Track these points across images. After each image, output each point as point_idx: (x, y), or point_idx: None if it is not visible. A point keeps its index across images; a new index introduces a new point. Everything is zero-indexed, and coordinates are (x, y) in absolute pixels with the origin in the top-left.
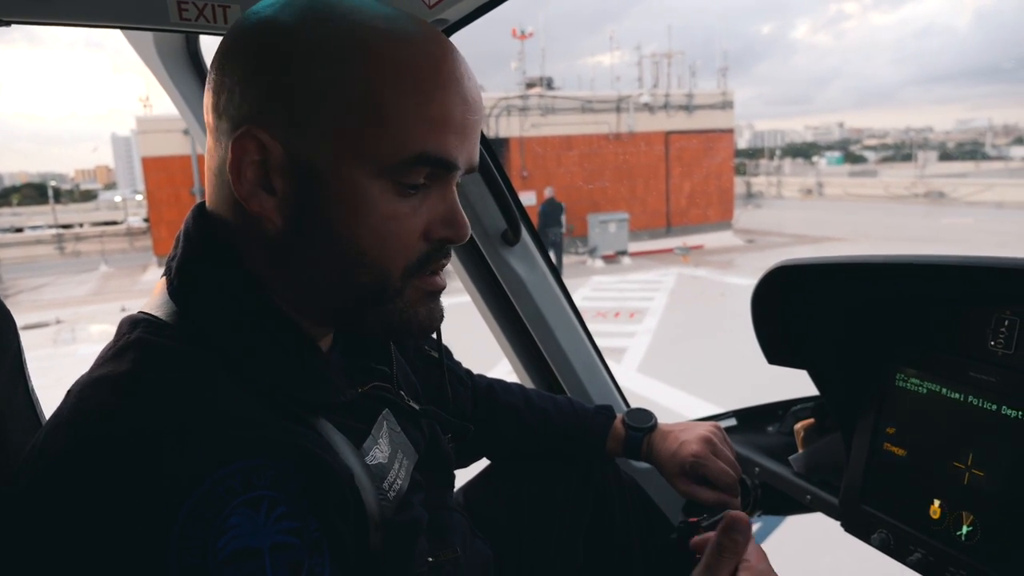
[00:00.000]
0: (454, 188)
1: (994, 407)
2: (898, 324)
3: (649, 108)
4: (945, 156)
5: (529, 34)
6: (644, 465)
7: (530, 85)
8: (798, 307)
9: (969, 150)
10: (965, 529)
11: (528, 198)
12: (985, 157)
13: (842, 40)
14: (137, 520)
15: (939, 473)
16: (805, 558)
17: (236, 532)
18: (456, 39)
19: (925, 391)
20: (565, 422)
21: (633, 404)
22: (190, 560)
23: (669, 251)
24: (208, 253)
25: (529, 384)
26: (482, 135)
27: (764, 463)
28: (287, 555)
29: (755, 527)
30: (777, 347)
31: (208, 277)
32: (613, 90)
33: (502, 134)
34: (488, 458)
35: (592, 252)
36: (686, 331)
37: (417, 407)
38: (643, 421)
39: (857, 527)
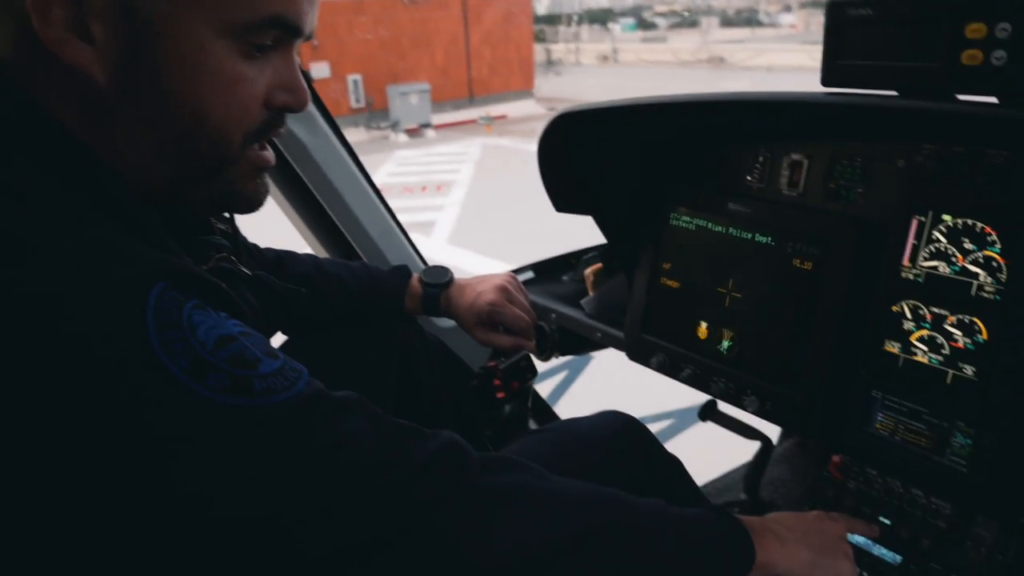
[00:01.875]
0: (295, 54)
1: (749, 235)
2: (671, 167)
3: None
4: (726, 22)
5: None
6: (447, 323)
7: None
8: (581, 154)
9: (746, 17)
10: (726, 344)
11: (321, 69)
12: (759, 24)
13: None
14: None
15: (706, 299)
16: (611, 390)
17: (206, 326)
18: None
19: (694, 227)
20: (360, 286)
21: None
22: (186, 360)
23: (473, 122)
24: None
25: (324, 255)
26: None
27: (559, 309)
28: (253, 338)
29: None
30: (564, 195)
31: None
32: None
33: None
34: (284, 332)
35: (394, 126)
36: (494, 201)
37: (251, 273)
38: (439, 277)
39: (639, 354)
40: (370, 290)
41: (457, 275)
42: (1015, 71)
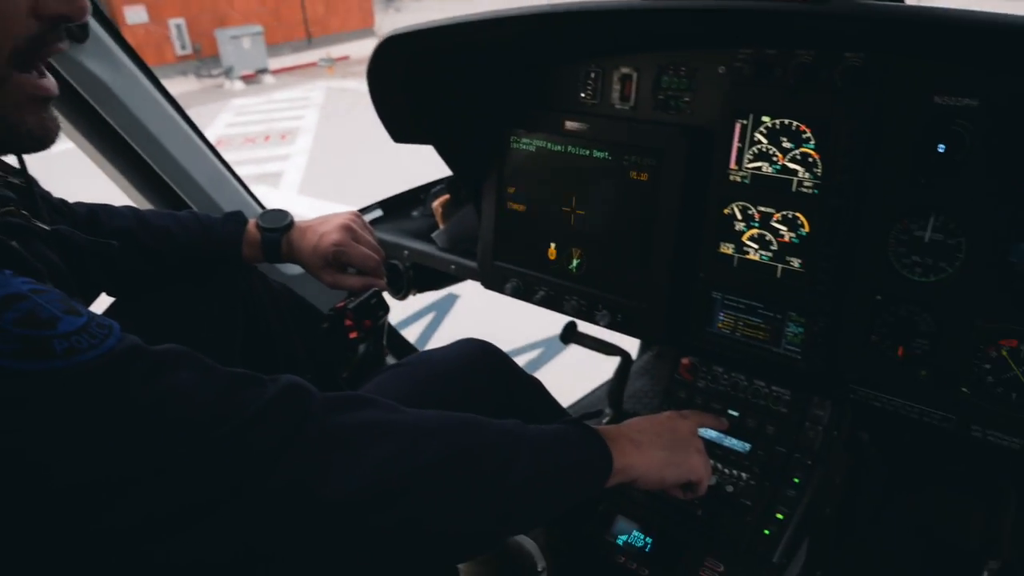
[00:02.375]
0: None
1: (587, 152)
2: (507, 90)
3: None
4: None
5: None
6: (295, 270)
7: None
8: (413, 80)
9: None
10: (575, 263)
11: (137, 14)
12: None
13: None
14: None
15: (552, 220)
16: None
17: None
18: None
19: (534, 148)
20: (191, 237)
21: None
22: None
23: (313, 65)
24: None
25: (147, 207)
26: None
27: (411, 245)
28: (49, 295)
29: (431, 315)
30: (400, 124)
31: None
32: None
33: None
34: (110, 294)
35: (228, 73)
36: (344, 145)
37: (48, 228)
38: (278, 221)
39: (493, 282)
40: (202, 240)
41: None
42: None
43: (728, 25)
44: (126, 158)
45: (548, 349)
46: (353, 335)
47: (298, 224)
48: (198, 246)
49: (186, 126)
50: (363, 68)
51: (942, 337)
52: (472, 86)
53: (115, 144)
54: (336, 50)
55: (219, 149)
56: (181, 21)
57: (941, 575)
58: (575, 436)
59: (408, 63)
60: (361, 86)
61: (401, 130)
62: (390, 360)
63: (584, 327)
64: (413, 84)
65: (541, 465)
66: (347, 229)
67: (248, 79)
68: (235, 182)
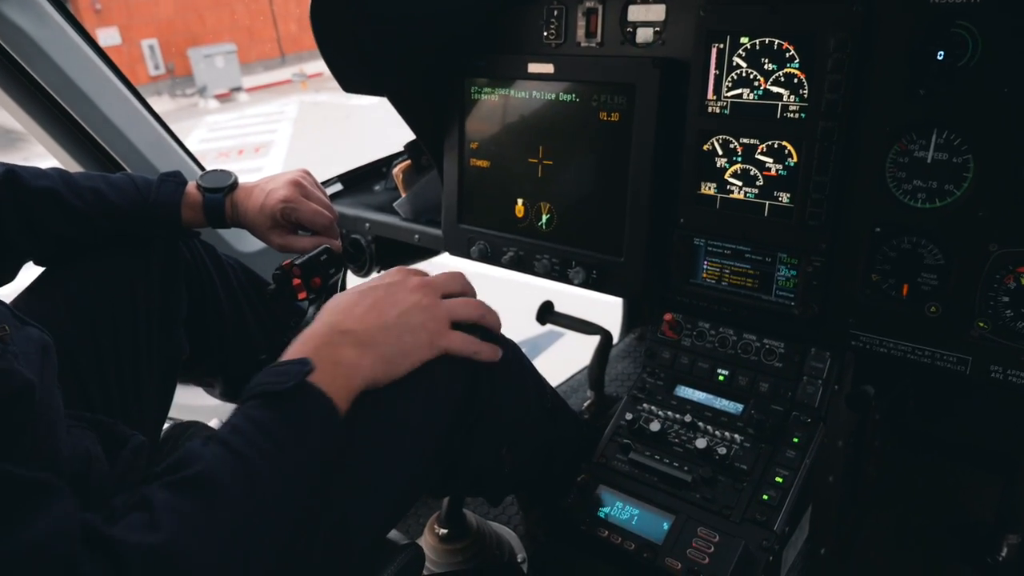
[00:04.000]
0: None
1: (553, 96)
2: (464, 36)
3: None
4: None
5: None
6: (245, 248)
7: None
8: (361, 21)
9: None
10: (545, 219)
11: (109, 36)
12: None
13: None
14: None
15: (519, 173)
16: None
17: None
18: None
19: (497, 97)
20: (125, 198)
21: None
22: None
23: (287, 82)
24: None
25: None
26: None
27: (373, 217)
28: None
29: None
30: (350, 71)
31: None
32: None
33: None
34: (38, 262)
35: (202, 92)
36: (317, 156)
37: None
38: (221, 181)
39: (457, 247)
40: (137, 202)
41: None
42: None
43: None
44: (56, 120)
45: (532, 348)
46: (302, 296)
47: (243, 185)
48: (133, 209)
49: (122, 85)
50: (336, 84)
51: (951, 270)
52: (424, 29)
53: (45, 104)
54: (309, 67)
55: None
56: (154, 42)
57: (957, 554)
58: (283, 408)
59: (353, 4)
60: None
61: (351, 78)
62: None
63: (562, 307)
64: (358, 25)
65: (266, 452)
66: (296, 185)
67: (222, 97)
68: (175, 145)
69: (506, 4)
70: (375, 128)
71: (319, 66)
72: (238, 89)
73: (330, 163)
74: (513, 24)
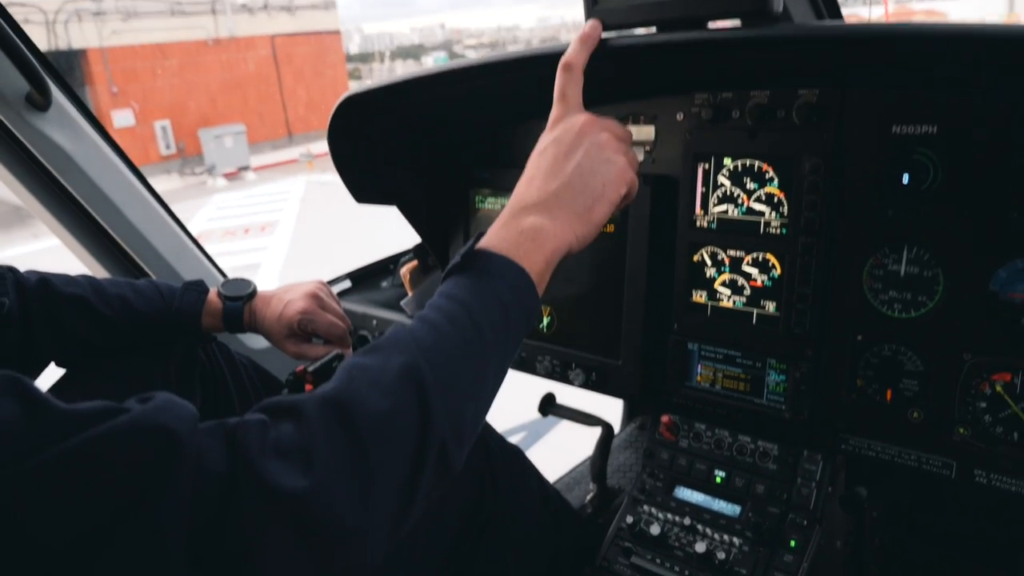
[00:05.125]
0: None
1: None
2: (469, 148)
3: (248, 9)
4: None
5: None
6: (259, 344)
7: None
8: (374, 139)
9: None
10: (545, 321)
11: (124, 117)
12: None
13: None
14: None
15: None
16: None
17: None
18: None
19: (499, 206)
20: (150, 306)
21: None
22: None
23: (294, 161)
24: None
25: (105, 276)
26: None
27: (380, 314)
28: None
29: None
30: (362, 184)
31: None
32: None
33: (76, 45)
34: (61, 364)
35: (211, 170)
36: (322, 235)
37: None
38: (241, 290)
39: None
40: (162, 310)
41: None
42: None
43: (681, 71)
44: (85, 226)
45: (530, 433)
46: None
47: (261, 293)
48: (157, 316)
49: (147, 193)
50: None
51: (931, 376)
52: (432, 145)
53: (75, 213)
54: (316, 146)
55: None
56: (167, 123)
57: None
58: (498, 288)
59: (367, 122)
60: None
61: (363, 190)
62: None
63: (563, 398)
64: (373, 143)
65: (496, 347)
66: (313, 297)
67: (230, 176)
68: (196, 251)
69: (508, 121)
70: (378, 210)
71: (325, 145)
72: (246, 168)
73: (334, 241)
74: (515, 140)
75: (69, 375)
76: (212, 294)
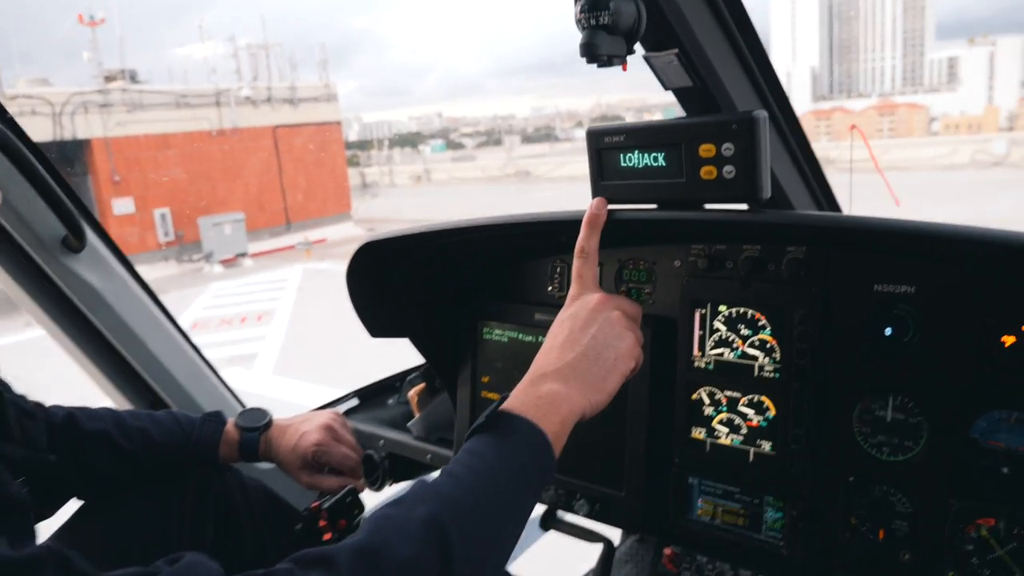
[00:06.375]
0: None
1: None
2: (479, 284)
3: (252, 102)
4: (527, 139)
5: (100, 21)
6: (268, 465)
7: (109, 78)
8: (389, 279)
9: (544, 133)
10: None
11: (124, 205)
12: (556, 139)
13: (432, 36)
14: None
15: None
16: None
17: None
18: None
19: (507, 339)
20: (169, 439)
21: (275, 409)
22: None
23: (291, 248)
24: None
25: (126, 406)
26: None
27: (387, 435)
28: None
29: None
30: (377, 321)
31: None
32: (210, 83)
33: (81, 135)
34: (81, 497)
35: (208, 257)
36: (319, 325)
37: None
38: (257, 420)
39: None
40: (181, 442)
41: (285, 410)
42: (742, 182)
43: (681, 227)
44: (108, 358)
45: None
46: (327, 536)
47: (277, 423)
48: (176, 448)
49: (168, 324)
50: (339, 250)
51: (919, 518)
52: (444, 282)
53: (99, 345)
54: (314, 233)
55: (195, 332)
56: (166, 211)
57: None
58: (518, 452)
59: (384, 264)
60: (337, 267)
61: (378, 326)
62: None
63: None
64: (388, 285)
65: (515, 500)
66: (328, 429)
67: (228, 263)
68: (213, 377)
69: (515, 258)
70: None
71: (323, 232)
72: (243, 255)
73: (330, 332)
74: (526, 275)
75: (87, 507)
76: (229, 424)
